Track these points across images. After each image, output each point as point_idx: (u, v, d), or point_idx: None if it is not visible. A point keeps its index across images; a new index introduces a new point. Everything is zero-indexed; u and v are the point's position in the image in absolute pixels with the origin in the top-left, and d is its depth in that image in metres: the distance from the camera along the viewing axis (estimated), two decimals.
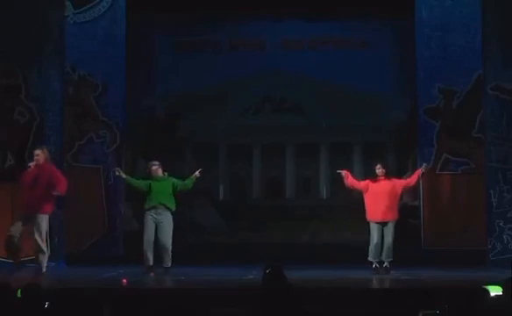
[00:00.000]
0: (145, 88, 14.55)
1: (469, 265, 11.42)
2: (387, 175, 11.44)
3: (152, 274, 10.82)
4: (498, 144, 11.74)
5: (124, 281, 9.83)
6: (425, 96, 13.13)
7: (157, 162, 11.23)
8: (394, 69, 14.36)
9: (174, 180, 11.17)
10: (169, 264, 10.90)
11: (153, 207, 10.95)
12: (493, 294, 5.78)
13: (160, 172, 11.15)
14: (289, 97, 14.99)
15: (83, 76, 13.32)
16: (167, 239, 10.87)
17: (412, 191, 13.79)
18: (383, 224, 11.18)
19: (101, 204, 13.17)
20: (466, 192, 12.93)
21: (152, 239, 10.89)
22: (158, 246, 10.92)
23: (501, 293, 5.99)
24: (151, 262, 10.91)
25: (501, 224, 11.70)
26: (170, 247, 10.88)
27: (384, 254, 11.12)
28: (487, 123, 11.86)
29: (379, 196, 11.13)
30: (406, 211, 13.80)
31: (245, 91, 14.99)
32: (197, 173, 11.20)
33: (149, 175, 11.28)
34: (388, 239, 11.09)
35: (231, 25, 14.60)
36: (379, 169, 11.38)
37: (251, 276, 10.35)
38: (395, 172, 13.57)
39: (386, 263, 11.12)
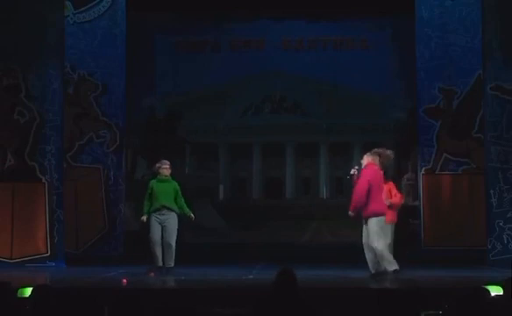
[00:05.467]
0: (145, 88, 14.57)
1: (469, 265, 11.41)
2: (385, 179, 11.21)
3: (151, 274, 10.80)
4: (498, 144, 11.72)
5: (124, 281, 9.82)
6: (425, 96, 13.13)
7: (168, 163, 11.13)
8: (394, 69, 14.38)
9: (178, 189, 11.05)
10: (172, 264, 10.86)
11: (157, 209, 10.88)
12: (493, 294, 5.77)
13: (168, 173, 11.08)
14: (289, 97, 15.02)
15: (83, 76, 13.34)
16: (172, 239, 10.82)
17: (412, 191, 13.81)
18: None
19: (101, 204, 13.19)
20: (466, 192, 12.94)
21: (159, 239, 10.82)
22: (162, 245, 10.87)
23: (501, 293, 5.99)
24: (160, 263, 10.84)
25: (501, 224, 11.68)
26: (174, 247, 10.84)
27: None
28: (487, 123, 11.86)
29: None
30: (406, 211, 13.78)
31: (245, 91, 15.01)
32: (192, 215, 11.07)
33: (154, 174, 11.19)
34: (387, 240, 10.98)
35: (231, 25, 14.62)
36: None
37: (251, 276, 10.35)
38: (395, 172, 13.59)
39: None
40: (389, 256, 9.95)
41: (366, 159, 10.24)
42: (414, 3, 13.10)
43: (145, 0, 13.76)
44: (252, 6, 13.83)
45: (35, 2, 12.18)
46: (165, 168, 11.02)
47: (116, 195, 13.25)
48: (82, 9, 13.36)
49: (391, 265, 9.85)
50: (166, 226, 10.82)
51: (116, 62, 13.34)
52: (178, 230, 10.93)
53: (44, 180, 12.06)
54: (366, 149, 14.88)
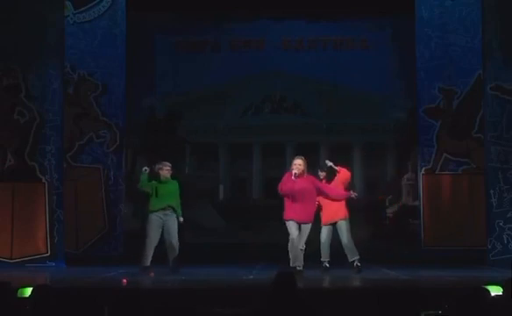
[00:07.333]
0: (145, 88, 14.58)
1: (469, 265, 11.40)
2: (329, 178, 11.03)
3: (151, 274, 10.78)
4: (498, 144, 11.72)
5: (124, 281, 9.82)
6: (425, 96, 13.13)
7: (170, 165, 11.09)
8: (394, 69, 14.39)
9: (178, 189, 10.99)
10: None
11: (161, 209, 10.83)
12: (493, 294, 5.77)
13: (169, 175, 11.04)
14: (289, 97, 15.03)
15: (83, 76, 13.35)
16: (175, 239, 10.79)
17: (412, 191, 13.82)
18: (333, 225, 10.95)
19: (101, 204, 13.19)
20: (466, 192, 12.94)
21: (157, 241, 10.80)
22: (166, 246, 10.83)
23: (501, 293, 5.99)
24: (148, 263, 10.82)
25: (501, 224, 11.68)
26: (178, 247, 10.79)
27: (347, 254, 10.85)
28: (487, 123, 11.86)
29: (325, 199, 10.90)
30: (406, 211, 13.79)
31: (245, 91, 15.02)
32: (181, 219, 11.01)
33: (156, 176, 11.12)
34: (344, 240, 10.83)
35: (231, 25, 14.64)
36: (321, 173, 11.04)
37: (251, 276, 10.35)
38: (395, 172, 13.59)
39: (355, 263, 10.83)
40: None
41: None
42: (414, 3, 13.10)
43: (145, 0, 13.76)
44: (252, 6, 13.84)
45: (35, 2, 12.17)
46: (166, 170, 10.98)
47: (116, 195, 13.25)
48: (82, 9, 13.36)
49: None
50: (168, 226, 10.77)
51: (116, 62, 13.35)
52: (178, 230, 10.91)
53: (44, 180, 12.05)
54: (366, 149, 14.97)
